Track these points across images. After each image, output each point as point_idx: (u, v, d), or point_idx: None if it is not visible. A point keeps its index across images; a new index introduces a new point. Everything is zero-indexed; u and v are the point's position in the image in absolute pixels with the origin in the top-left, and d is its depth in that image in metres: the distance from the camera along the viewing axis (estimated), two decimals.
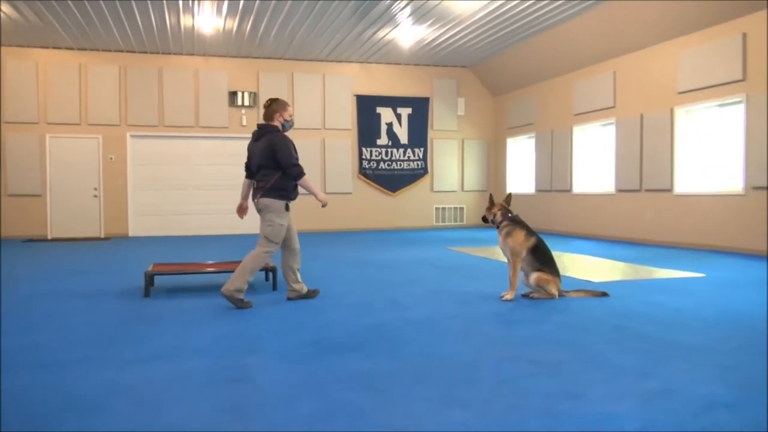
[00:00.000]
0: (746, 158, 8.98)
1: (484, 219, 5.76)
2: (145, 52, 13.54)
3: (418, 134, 15.34)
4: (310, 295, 5.65)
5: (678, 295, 5.63)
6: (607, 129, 12.06)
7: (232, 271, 6.37)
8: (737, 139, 9.23)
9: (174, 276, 6.67)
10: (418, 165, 15.32)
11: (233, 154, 14.08)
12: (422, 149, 15.35)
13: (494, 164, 16.19)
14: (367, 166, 14.99)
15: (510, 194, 5.88)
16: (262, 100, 14.07)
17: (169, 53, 13.65)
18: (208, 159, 14.05)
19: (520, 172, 15.26)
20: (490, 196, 6.13)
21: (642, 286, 6.24)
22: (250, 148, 5.41)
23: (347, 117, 14.84)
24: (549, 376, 3.25)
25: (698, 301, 5.39)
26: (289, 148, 5.23)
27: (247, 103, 13.98)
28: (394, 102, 15.15)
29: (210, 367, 3.47)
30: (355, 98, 14.90)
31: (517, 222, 5.55)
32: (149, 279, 5.82)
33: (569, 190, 13.05)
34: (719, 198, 9.47)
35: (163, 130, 13.75)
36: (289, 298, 5.55)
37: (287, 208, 5.30)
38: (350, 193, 14.90)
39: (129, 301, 5.52)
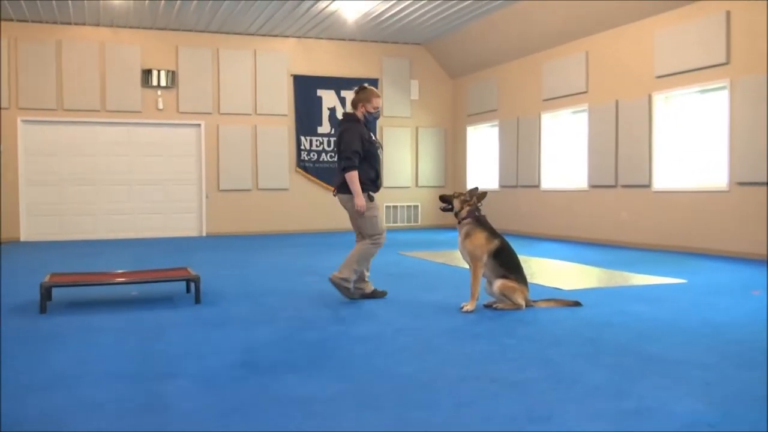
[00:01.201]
0: (730, 150, 9.32)
1: (445, 201, 5.82)
2: (40, 22, 13.16)
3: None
4: (377, 294, 6.16)
5: (657, 304, 5.80)
6: (579, 117, 12.35)
7: (147, 282, 6.29)
8: (720, 130, 9.58)
9: (76, 288, 6.51)
10: None
11: (148, 143, 13.84)
12: None
13: (452, 156, 16.36)
14: (306, 158, 14.94)
15: (486, 192, 5.92)
16: (182, 79, 13.89)
17: (70, 23, 13.29)
18: (118, 149, 13.76)
19: (482, 166, 15.46)
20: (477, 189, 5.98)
21: (617, 293, 6.41)
22: (336, 139, 6.13)
23: (283, 101, 14.76)
24: (514, 397, 3.31)
25: (678, 309, 5.57)
26: (353, 137, 5.81)
27: (163, 83, 13.75)
28: (337, 83, 15.14)
29: (120, 394, 3.40)
30: (291, 79, 14.84)
31: (480, 222, 5.62)
32: (46, 292, 5.66)
33: (537, 186, 13.30)
34: (701, 195, 9.80)
35: (62, 114, 13.39)
36: (350, 298, 6.02)
37: (371, 198, 5.95)
38: (286, 190, 14.83)
39: (21, 319, 5.37)
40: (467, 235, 5.57)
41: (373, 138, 6.01)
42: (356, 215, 5.96)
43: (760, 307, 5.66)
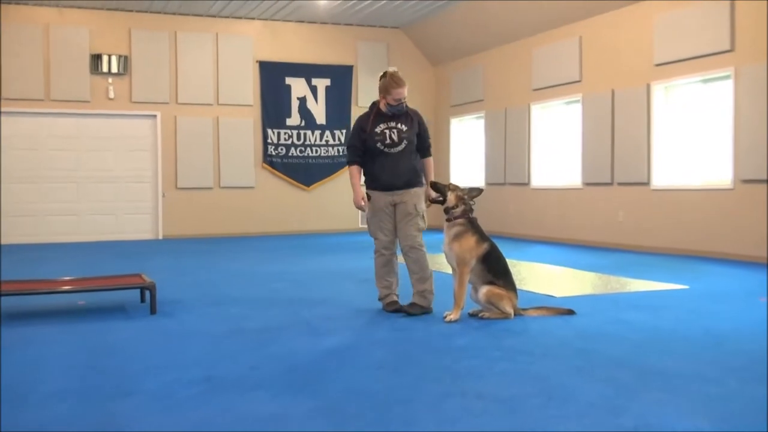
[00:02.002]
0: (735, 145, 9.45)
1: (437, 190, 5.72)
2: None
3: (339, 112, 15.37)
4: (387, 306, 6.00)
5: (656, 312, 5.86)
6: (572, 108, 12.44)
7: (96, 290, 6.24)
8: (724, 122, 9.70)
9: (16, 297, 6.43)
10: (339, 151, 15.34)
11: (98, 136, 13.72)
12: (344, 131, 15.37)
13: (434, 151, 16.25)
14: (273, 153, 14.90)
15: (482, 189, 5.96)
16: (136, 65, 13.80)
17: (9, 2, 13.14)
18: (64, 143, 13.62)
19: (467, 161, 15.52)
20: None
21: (614, 301, 6.47)
22: None
23: (248, 90, 14.71)
24: (502, 415, 3.32)
25: (679, 318, 5.63)
26: (353, 132, 5.97)
27: (115, 69, 13.64)
28: (308, 71, 15.12)
29: (69, 415, 3.37)
30: (257, 65, 14.80)
31: (472, 224, 5.64)
32: None
33: (527, 184, 13.37)
34: (703, 193, 9.92)
35: (1, 104, 13.23)
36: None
37: (368, 197, 5.88)
38: (252, 188, 14.78)
39: None
40: (457, 237, 5.56)
41: (386, 130, 5.78)
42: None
43: (766, 315, 5.74)
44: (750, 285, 7.37)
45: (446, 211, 5.68)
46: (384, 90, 5.80)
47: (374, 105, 5.96)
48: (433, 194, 5.78)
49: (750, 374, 3.96)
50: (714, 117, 9.96)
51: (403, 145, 5.80)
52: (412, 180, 5.86)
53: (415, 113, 5.98)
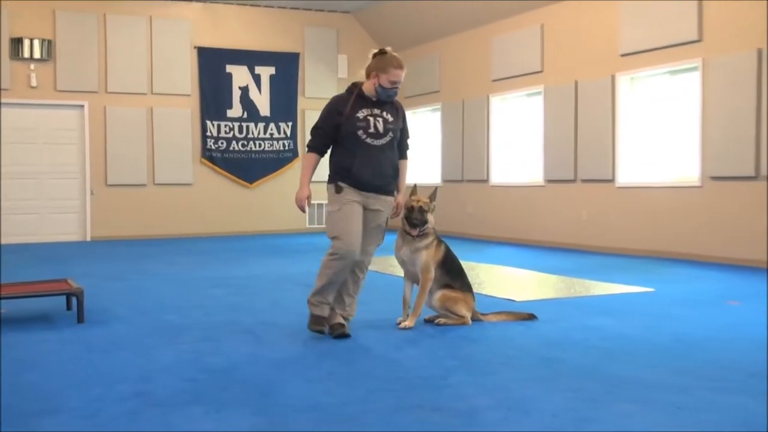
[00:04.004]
0: (702, 140, 9.63)
1: (424, 221, 5.46)
2: None
3: (285, 103, 15.31)
4: (312, 324, 5.26)
5: (621, 317, 5.94)
6: (534, 100, 12.56)
7: (17, 297, 6.08)
8: (692, 116, 9.88)
9: None
10: (284, 146, 15.28)
11: (18, 128, 13.43)
12: (290, 124, 15.32)
13: None
14: (213, 147, 14.78)
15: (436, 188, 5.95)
16: (60, 50, 13.55)
17: None
18: None
19: (422, 156, 15.56)
20: (435, 189, 5.94)
21: (578, 305, 6.54)
22: None
23: (185, 78, 14.57)
24: (459, 429, 3.33)
25: (646, 324, 5.71)
26: (323, 113, 5.37)
27: (37, 55, 13.37)
28: (250, 58, 15.03)
29: None
30: (195, 52, 14.66)
31: (433, 229, 5.65)
32: None
33: (486, 181, 13.47)
34: (670, 191, 10.10)
35: None
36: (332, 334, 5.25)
37: (338, 190, 5.27)
38: (189, 185, 14.64)
39: None
40: (427, 246, 5.52)
41: (369, 117, 5.26)
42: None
43: (737, 320, 5.85)
44: (719, 288, 7.52)
45: (417, 224, 5.48)
46: (379, 68, 5.22)
47: (355, 86, 5.38)
48: (408, 212, 5.49)
49: (720, 383, 4.03)
50: (681, 111, 10.14)
51: (388, 138, 5.30)
52: (392, 184, 5.40)
53: (400, 105, 5.48)
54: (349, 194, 5.24)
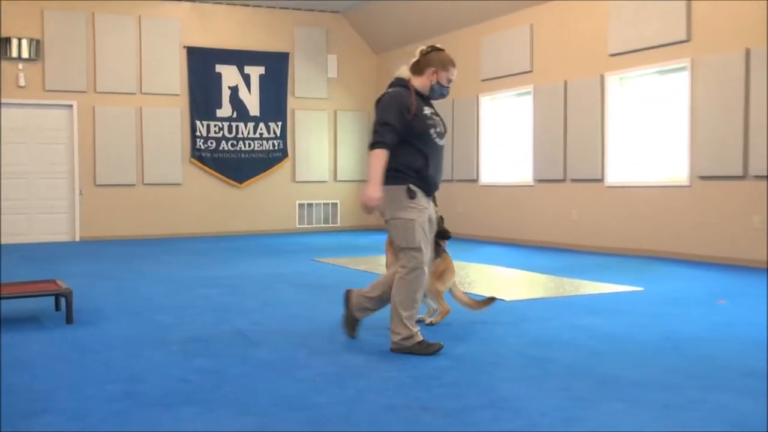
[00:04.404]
0: (691, 140, 9.67)
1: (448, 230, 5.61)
2: None
3: (274, 103, 15.28)
4: (425, 349, 4.75)
5: (611, 316, 5.97)
6: (523, 99, 12.58)
7: (5, 298, 6.06)
8: (681, 116, 9.92)
9: None
10: (274, 145, 15.26)
11: (7, 128, 13.36)
12: (280, 124, 15.30)
13: None
14: (202, 147, 14.75)
15: None
16: (48, 49, 13.49)
17: None
18: None
19: None
20: None
21: (567, 304, 6.56)
22: None
23: (174, 78, 14.53)
24: (450, 428, 3.34)
25: (635, 322, 5.73)
26: (389, 106, 4.78)
27: (26, 54, 13.30)
28: (240, 58, 15.00)
29: None
30: (184, 51, 14.62)
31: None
32: None
33: (475, 181, 13.49)
34: (659, 190, 10.14)
35: None
36: (392, 349, 4.83)
37: (411, 195, 4.73)
38: (179, 185, 14.60)
39: None
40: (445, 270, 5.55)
41: (433, 115, 4.96)
42: (385, 220, 4.86)
43: (726, 319, 5.88)
44: (708, 287, 7.55)
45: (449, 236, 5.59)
46: (441, 65, 4.95)
47: (404, 81, 5.01)
48: (440, 223, 5.49)
49: (710, 382, 4.05)
50: (670, 110, 10.18)
51: (445, 138, 5.04)
52: None
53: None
54: (422, 200, 4.81)
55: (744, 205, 9.05)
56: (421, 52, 5.05)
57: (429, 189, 4.87)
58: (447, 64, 4.97)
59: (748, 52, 8.94)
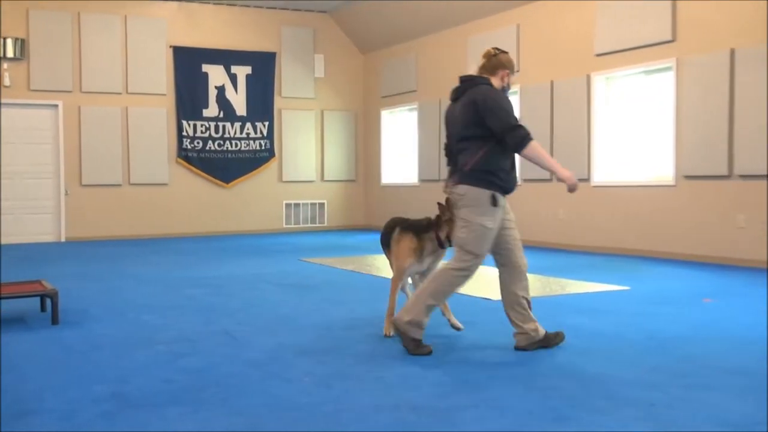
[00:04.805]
0: (676, 139, 9.72)
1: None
2: None
3: (261, 103, 15.26)
4: (552, 341, 4.87)
5: (597, 315, 6.00)
6: (510, 99, 12.57)
7: None
8: (666, 115, 9.98)
9: None
10: (261, 145, 15.24)
11: None
12: (267, 124, 15.28)
13: (365, 145, 16.42)
14: (189, 147, 14.71)
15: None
16: (34, 49, 13.42)
17: None
18: None
19: (400, 156, 15.59)
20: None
21: (554, 303, 6.58)
22: (447, 115, 5.07)
23: (160, 77, 14.48)
24: (437, 428, 3.34)
25: (621, 321, 5.76)
26: (506, 105, 4.72)
27: (10, 54, 13.23)
28: (227, 57, 14.97)
29: None
30: (171, 51, 14.58)
31: None
32: None
33: None
34: (645, 190, 10.19)
35: None
36: (517, 347, 4.83)
37: (495, 203, 4.69)
38: (165, 185, 14.56)
39: None
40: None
41: None
42: (460, 218, 4.79)
43: (712, 317, 5.92)
44: (694, 286, 7.60)
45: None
46: (511, 66, 4.96)
47: (487, 81, 4.91)
48: None
49: (695, 380, 4.07)
50: (656, 110, 10.23)
51: None
52: None
53: None
54: (502, 210, 4.80)
55: (729, 205, 9.11)
56: (490, 53, 5.02)
57: (511, 189, 4.85)
58: (513, 67, 5.00)
59: (732, 53, 8.99)
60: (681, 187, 9.68)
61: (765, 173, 8.69)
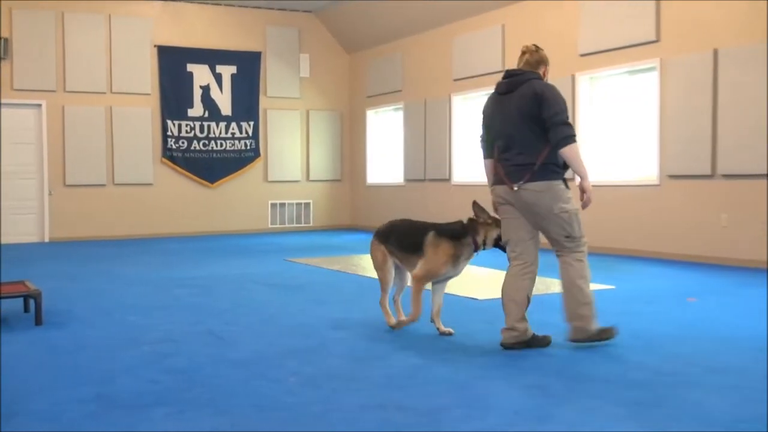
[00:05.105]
0: (660, 139, 9.77)
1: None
2: None
3: (247, 103, 15.23)
4: (539, 343, 4.88)
5: None
6: None
7: None
8: (650, 115, 10.03)
9: None
10: (246, 145, 15.21)
11: None
12: (252, 123, 15.25)
13: (350, 145, 16.42)
14: (174, 147, 14.66)
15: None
16: (17, 48, 13.34)
17: None
18: None
19: (385, 156, 15.59)
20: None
21: (538, 303, 6.56)
22: (492, 109, 5.18)
23: (145, 77, 14.42)
24: (424, 427, 3.35)
25: (607, 320, 5.75)
26: (562, 101, 4.87)
27: None
28: (212, 57, 14.93)
29: None
30: (155, 50, 14.52)
31: None
32: None
33: (448, 180, 13.52)
34: (629, 189, 10.23)
35: None
36: (504, 345, 4.84)
37: (567, 186, 4.90)
38: (150, 185, 14.50)
39: None
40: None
41: None
42: (552, 214, 4.88)
43: (696, 316, 5.96)
44: (678, 284, 7.64)
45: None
46: (548, 63, 5.25)
47: (535, 73, 5.13)
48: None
49: (680, 378, 4.10)
50: (640, 110, 10.28)
51: None
52: None
53: None
54: None
55: (712, 204, 9.17)
56: (531, 49, 5.22)
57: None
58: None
59: (716, 53, 9.05)
60: (665, 186, 9.73)
61: (748, 173, 8.76)
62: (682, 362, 4.45)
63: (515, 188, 4.86)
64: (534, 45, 5.26)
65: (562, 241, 4.91)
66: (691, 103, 9.33)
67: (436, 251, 5.19)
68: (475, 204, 5.23)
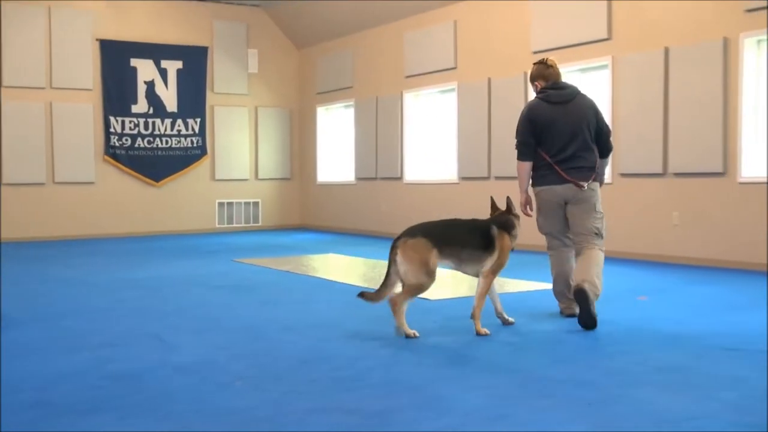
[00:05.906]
0: (613, 137, 9.88)
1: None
2: None
3: (193, 99, 15.11)
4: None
5: (534, 314, 6.09)
6: (448, 97, 12.71)
7: None
8: (603, 113, 10.15)
9: None
10: (192, 143, 15.09)
11: None
12: (198, 120, 15.13)
13: (300, 142, 16.38)
14: (117, 144, 14.48)
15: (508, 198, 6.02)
16: None
17: None
18: None
19: (336, 154, 15.59)
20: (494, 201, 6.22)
21: (489, 302, 6.64)
22: (544, 119, 5.88)
23: (86, 72, 14.23)
24: (375, 430, 3.35)
25: (557, 320, 5.85)
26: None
27: None
28: (156, 52, 14.79)
29: None
30: (98, 45, 14.33)
31: None
32: None
33: (399, 178, 13.56)
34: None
35: None
36: (569, 314, 5.84)
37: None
38: (92, 183, 14.32)
39: None
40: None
41: None
42: (595, 210, 5.81)
43: (647, 315, 6.06)
44: (628, 283, 7.76)
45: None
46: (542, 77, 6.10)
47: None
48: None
49: (630, 378, 4.16)
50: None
51: None
52: None
53: None
54: None
55: (664, 202, 9.34)
56: (551, 63, 5.97)
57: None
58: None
59: (667, 51, 9.21)
60: (617, 185, 9.87)
61: (700, 171, 8.93)
62: (632, 361, 4.52)
63: (585, 187, 5.71)
64: (546, 59, 6.01)
65: (592, 235, 5.70)
66: (643, 101, 9.49)
67: (503, 245, 5.51)
68: (508, 199, 5.89)
